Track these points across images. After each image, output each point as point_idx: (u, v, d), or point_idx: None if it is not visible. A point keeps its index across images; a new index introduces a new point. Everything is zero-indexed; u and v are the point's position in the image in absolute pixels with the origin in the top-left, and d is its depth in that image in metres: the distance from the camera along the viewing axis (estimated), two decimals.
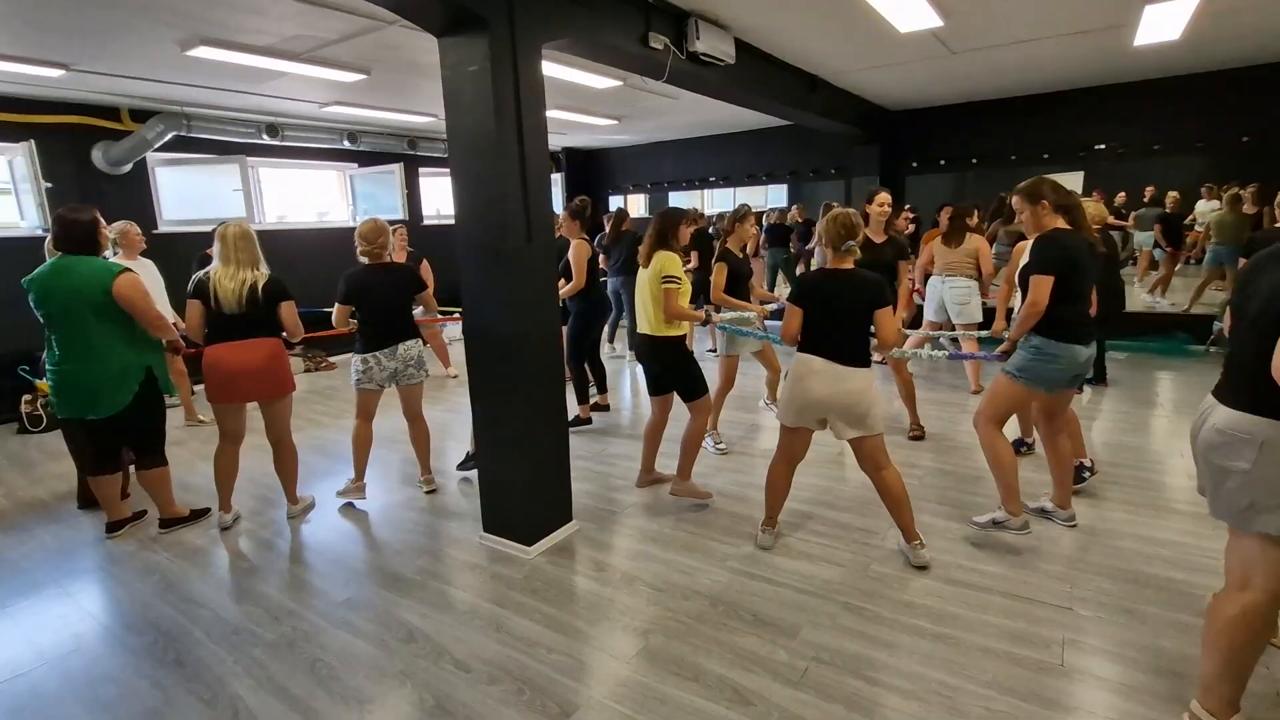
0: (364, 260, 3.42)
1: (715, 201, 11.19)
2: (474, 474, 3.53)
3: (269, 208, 7.73)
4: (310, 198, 8.36)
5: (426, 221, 8.63)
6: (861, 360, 2.60)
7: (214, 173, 6.77)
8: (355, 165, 8.05)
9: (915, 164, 7.38)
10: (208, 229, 6.30)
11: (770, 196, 10.51)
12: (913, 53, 4.91)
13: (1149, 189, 7.27)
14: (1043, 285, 2.57)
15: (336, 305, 3.38)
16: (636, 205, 10.47)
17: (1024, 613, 2.35)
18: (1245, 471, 1.57)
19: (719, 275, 3.87)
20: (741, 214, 3.93)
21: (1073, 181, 8.13)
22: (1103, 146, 6.43)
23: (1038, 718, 1.87)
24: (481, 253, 2.81)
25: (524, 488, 2.88)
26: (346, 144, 7.33)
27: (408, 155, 8.12)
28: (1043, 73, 5.72)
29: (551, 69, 4.81)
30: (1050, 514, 3.01)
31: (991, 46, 4.82)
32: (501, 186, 2.69)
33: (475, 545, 3.01)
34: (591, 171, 10.13)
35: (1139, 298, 7.13)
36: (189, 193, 6.73)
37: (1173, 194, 6.97)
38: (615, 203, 10.13)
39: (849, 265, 2.63)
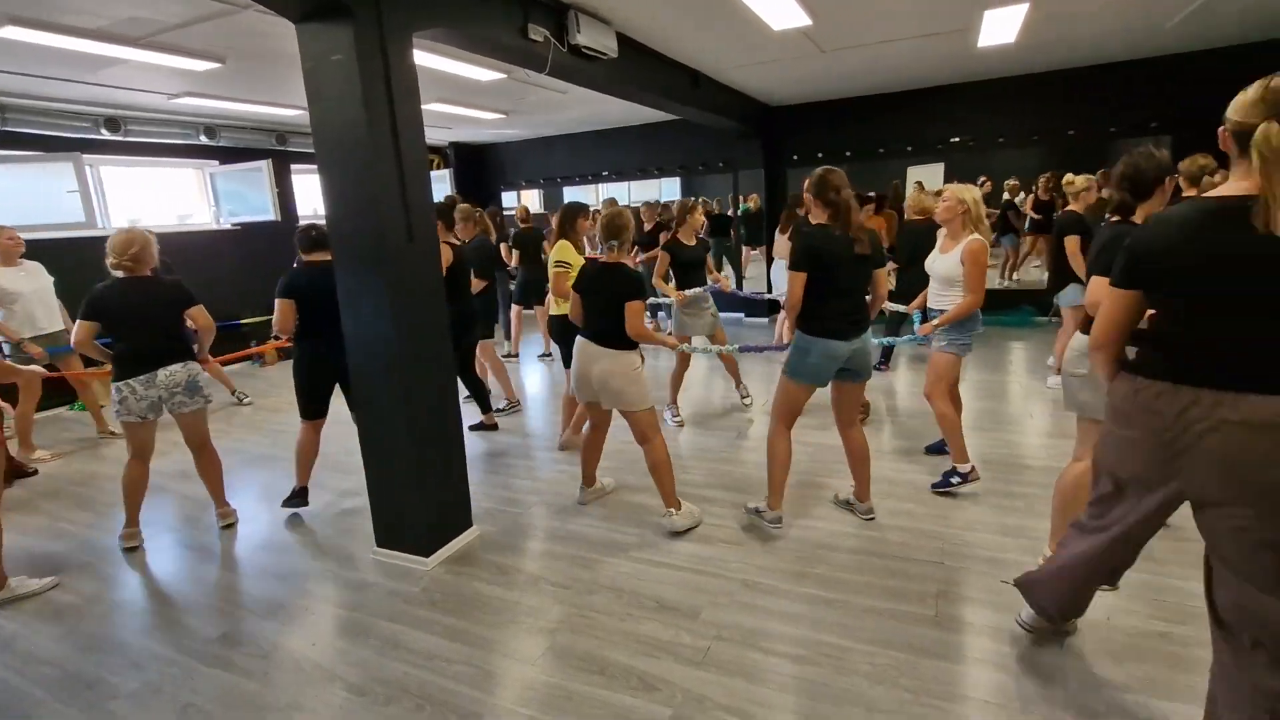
0: (118, 274, 2.96)
1: (608, 195, 11.23)
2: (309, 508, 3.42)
3: (116, 211, 6.92)
4: (168, 199, 7.58)
5: (303, 222, 8.05)
6: (616, 344, 2.85)
7: (45, 172, 5.97)
8: (216, 162, 7.37)
9: (795, 157, 7.74)
10: (44, 235, 5.64)
11: (664, 190, 10.69)
12: (787, 50, 5.14)
13: (1013, 180, 8.05)
14: (794, 282, 2.66)
15: (77, 323, 2.91)
16: (530, 201, 10.31)
17: (901, 571, 2.55)
18: (1084, 376, 2.17)
19: (660, 264, 4.38)
20: (690, 206, 4.49)
21: (934, 172, 8.84)
22: (957, 140, 7.04)
23: (916, 665, 2.03)
24: (358, 255, 2.66)
25: (417, 498, 2.77)
26: (204, 139, 6.70)
27: (277, 151, 7.53)
28: (904, 71, 6.17)
29: (431, 60, 4.63)
30: (852, 506, 3.03)
31: (856, 46, 5.13)
32: (376, 184, 2.56)
33: (368, 562, 2.86)
34: (482, 167, 9.86)
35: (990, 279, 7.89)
36: (14, 195, 5.89)
37: (1010, 182, 7.77)
38: (509, 199, 9.92)
39: (616, 260, 2.92)
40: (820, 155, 7.59)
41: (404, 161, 2.65)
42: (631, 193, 10.67)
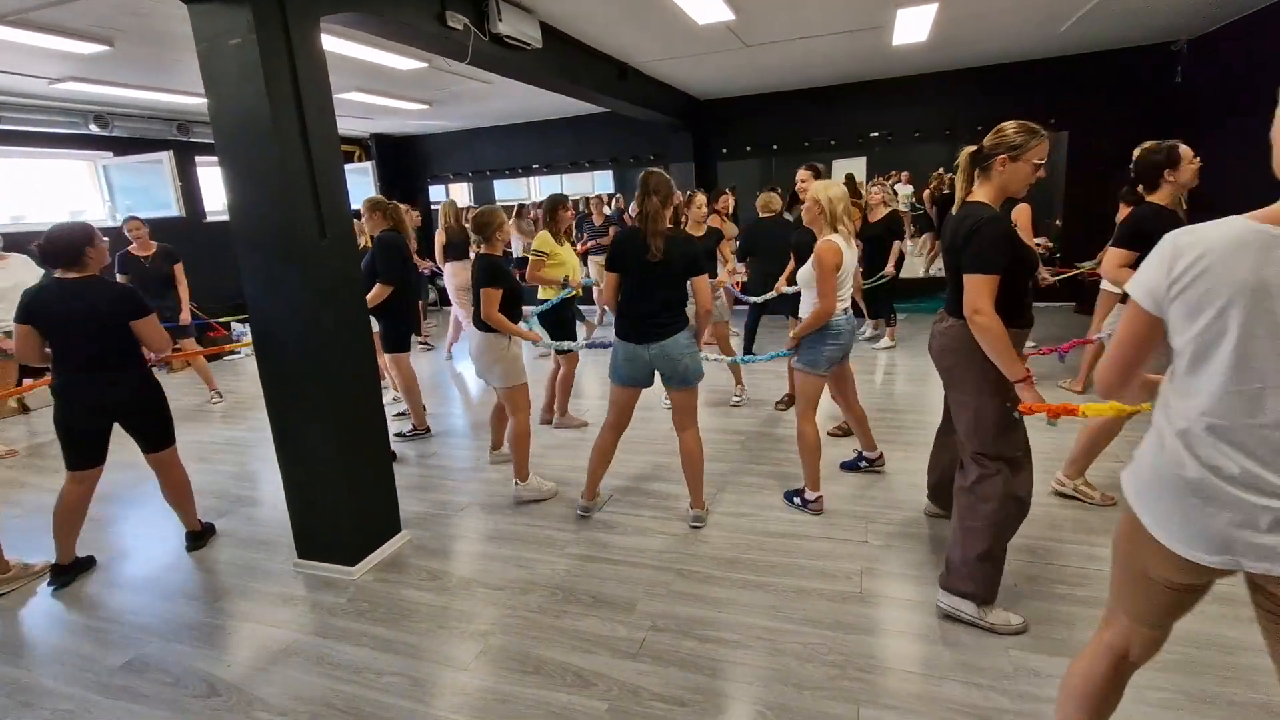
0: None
1: (542, 188, 11.07)
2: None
3: None
4: (56, 193, 6.95)
5: (211, 218, 7.57)
6: (481, 326, 3.15)
7: None
8: (110, 154, 6.82)
9: (725, 150, 7.86)
10: None
11: (597, 183, 10.63)
12: (712, 44, 5.19)
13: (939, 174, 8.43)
14: (606, 281, 2.76)
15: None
16: (460, 194, 10.05)
17: (828, 552, 2.63)
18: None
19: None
20: (690, 197, 4.49)
21: (858, 166, 9.15)
22: (877, 134, 7.31)
23: (844, 642, 2.11)
24: (266, 252, 2.52)
25: (340, 504, 2.65)
26: (94, 129, 6.17)
27: (179, 142, 7.04)
28: (826, 67, 6.35)
29: (345, 47, 4.42)
30: (587, 510, 3.04)
31: (778, 41, 5.24)
32: (284, 177, 2.42)
33: (289, 575, 2.73)
34: (406, 160, 9.52)
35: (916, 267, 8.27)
36: None
37: (936, 174, 8.15)
38: (436, 193, 9.64)
39: (485, 252, 3.18)
40: (748, 148, 7.74)
41: (314, 153, 2.52)
42: (564, 185, 10.56)
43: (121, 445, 2.91)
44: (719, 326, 4.55)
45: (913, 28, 4.99)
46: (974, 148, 2.11)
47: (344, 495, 2.65)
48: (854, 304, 3.22)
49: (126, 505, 3.52)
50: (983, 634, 2.09)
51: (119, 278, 4.97)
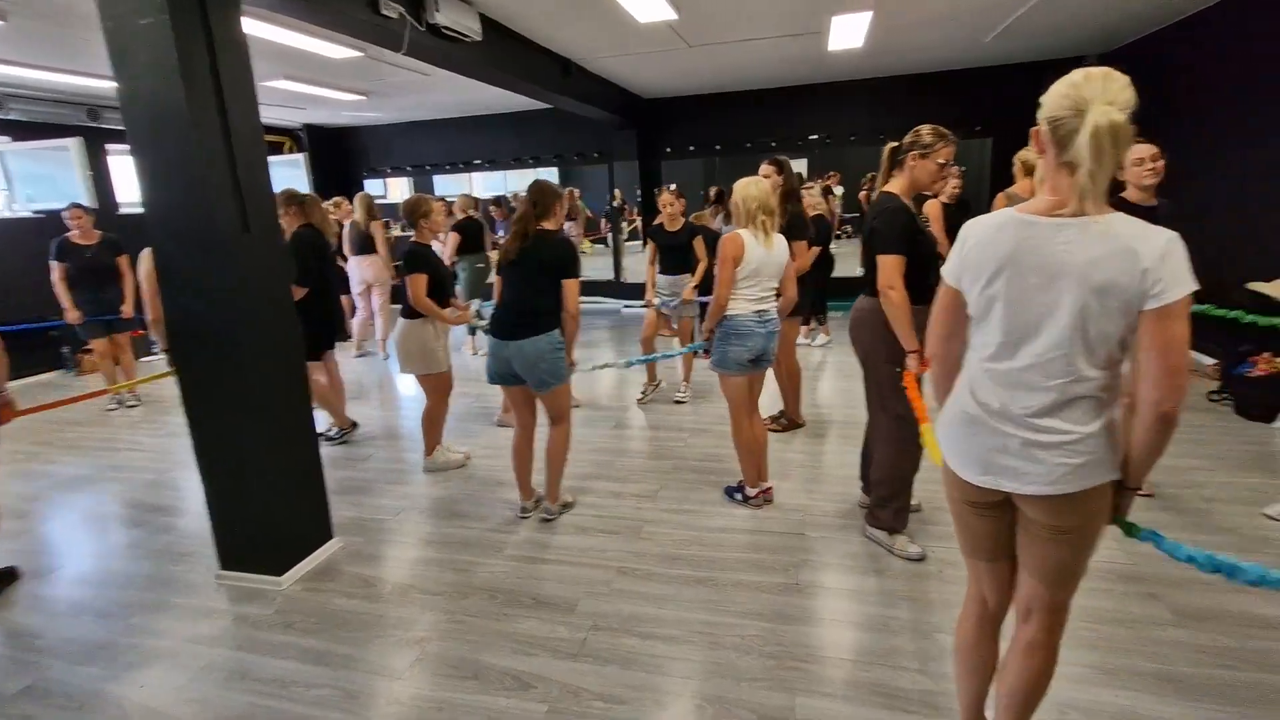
0: None
1: (488, 185, 10.88)
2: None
3: None
4: None
5: (124, 210, 7.09)
6: (405, 313, 3.33)
7: None
8: (8, 138, 6.29)
9: (669, 149, 7.90)
10: None
11: (543, 178, 10.49)
12: (655, 43, 5.20)
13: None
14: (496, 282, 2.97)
15: None
16: (400, 189, 9.77)
17: (766, 545, 2.69)
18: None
19: (649, 251, 4.62)
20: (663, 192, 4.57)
21: (798, 167, 9.34)
22: (816, 137, 7.50)
23: (781, 633, 2.15)
24: (184, 247, 2.37)
25: (266, 511, 2.53)
26: None
27: (89, 128, 6.56)
28: (767, 69, 6.47)
29: (272, 32, 4.21)
30: (525, 511, 3.02)
31: (720, 43, 5.30)
32: (202, 167, 2.29)
33: (211, 588, 2.58)
34: (342, 152, 9.17)
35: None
36: None
37: (868, 177, 8.44)
38: (374, 187, 9.32)
39: (417, 240, 3.35)
40: (692, 148, 7.81)
41: (235, 143, 2.39)
42: (507, 182, 10.41)
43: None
44: (685, 322, 4.61)
45: (848, 35, 5.14)
46: (894, 144, 2.41)
47: (270, 502, 2.53)
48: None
49: (31, 520, 3.27)
50: (905, 620, 2.18)
51: (55, 266, 4.65)
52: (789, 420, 3.97)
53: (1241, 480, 3.05)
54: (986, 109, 6.85)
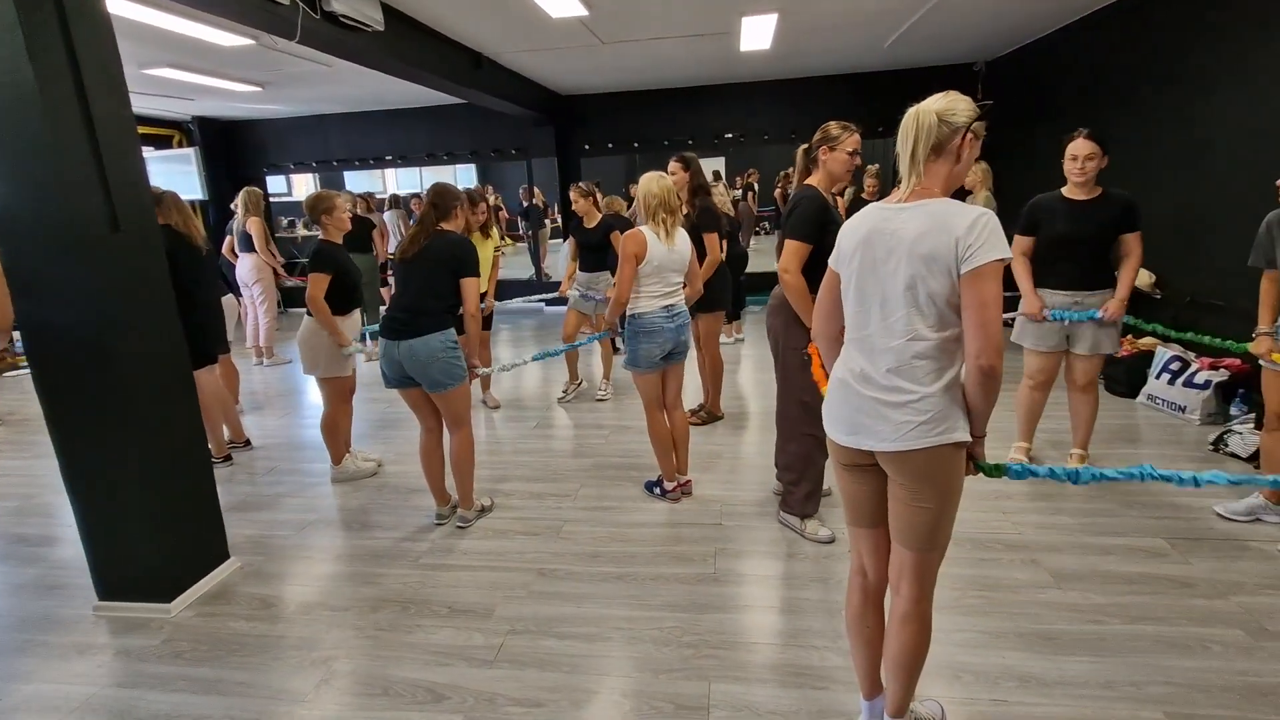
0: None
1: (399, 181, 10.49)
2: None
3: None
4: None
5: None
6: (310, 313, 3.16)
7: None
8: None
9: (587, 146, 7.87)
10: None
11: (459, 177, 10.23)
12: (569, 39, 5.16)
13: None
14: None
15: None
16: (305, 186, 9.26)
17: (685, 536, 2.73)
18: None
19: (570, 247, 4.66)
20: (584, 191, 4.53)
21: (716, 165, 9.53)
22: (731, 135, 7.67)
23: (699, 622, 2.18)
24: (41, 250, 2.15)
25: (150, 535, 2.33)
26: None
27: None
28: (682, 68, 6.54)
29: (153, 16, 3.88)
30: (441, 517, 2.95)
31: (633, 40, 5.32)
32: (58, 161, 2.08)
33: (89, 620, 2.36)
34: (238, 147, 8.59)
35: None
36: None
37: (784, 173, 8.70)
38: (276, 184, 8.79)
39: (331, 237, 3.22)
40: (610, 145, 7.80)
41: (100, 134, 2.18)
42: (423, 178, 10.09)
43: None
44: (603, 317, 4.58)
45: (757, 35, 5.28)
46: (805, 145, 2.53)
47: (154, 524, 2.33)
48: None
49: None
50: (823, 600, 2.27)
51: None
52: (709, 413, 4.04)
53: (1114, 451, 3.35)
54: (889, 111, 7.18)
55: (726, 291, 4.00)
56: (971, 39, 5.86)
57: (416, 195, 8.73)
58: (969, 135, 1.42)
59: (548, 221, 9.14)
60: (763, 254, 9.67)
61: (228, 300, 4.41)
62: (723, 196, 6.08)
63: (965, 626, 2.07)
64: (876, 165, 6.30)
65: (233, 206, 6.11)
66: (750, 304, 7.45)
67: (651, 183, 2.80)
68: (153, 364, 2.35)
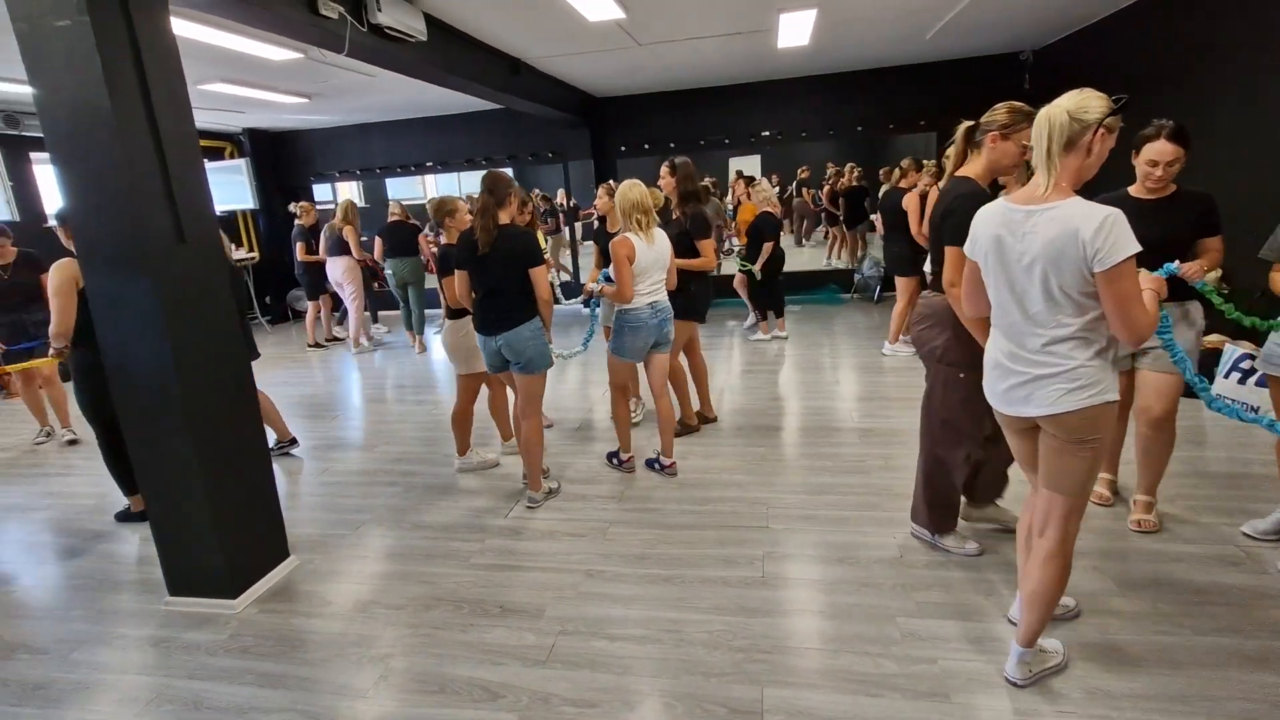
0: None
1: (438, 187, 10.68)
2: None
3: None
4: None
5: (52, 222, 6.71)
6: (449, 314, 3.39)
7: None
8: None
9: (623, 148, 7.89)
10: None
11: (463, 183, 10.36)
12: (604, 42, 5.18)
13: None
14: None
15: None
16: (349, 193, 9.51)
17: (732, 539, 2.71)
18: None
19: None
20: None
21: (752, 163, 9.46)
22: (767, 133, 7.60)
23: (748, 626, 2.18)
24: (113, 261, 2.26)
25: (216, 532, 2.43)
26: None
27: (8, 136, 6.20)
28: (718, 67, 6.51)
29: (206, 33, 4.04)
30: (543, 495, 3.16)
31: (670, 41, 5.32)
32: (131, 176, 2.18)
33: (160, 615, 2.47)
34: (286, 157, 8.88)
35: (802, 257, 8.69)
36: None
37: (835, 169, 8.60)
38: (322, 192, 9.06)
39: (452, 240, 3.31)
40: (646, 146, 7.81)
41: (167, 150, 2.29)
42: (461, 184, 10.26)
43: None
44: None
45: (795, 32, 5.21)
46: (971, 123, 2.18)
47: (218, 524, 2.43)
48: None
49: None
50: (868, 606, 2.23)
51: None
52: (682, 424, 3.87)
53: (1179, 453, 3.20)
54: (930, 104, 7.05)
55: (704, 300, 3.84)
56: (1018, 27, 5.69)
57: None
58: (1101, 130, 1.51)
59: (579, 224, 9.22)
60: (819, 250, 9.55)
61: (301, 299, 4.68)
62: (767, 193, 6.05)
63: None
64: (915, 160, 6.14)
65: (293, 208, 6.97)
66: (790, 303, 7.41)
67: (629, 189, 3.07)
68: (215, 369, 2.45)
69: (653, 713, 1.86)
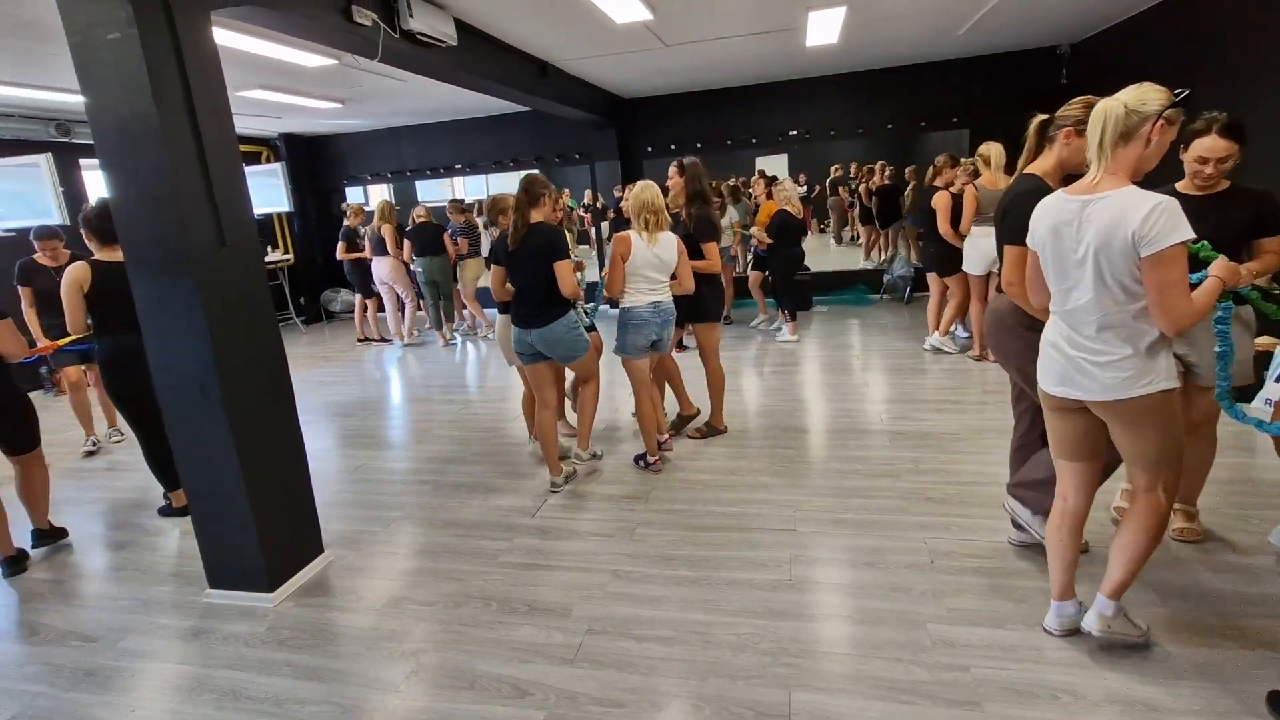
0: None
1: (466, 189, 10.81)
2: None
3: None
4: None
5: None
6: (500, 309, 3.51)
7: None
8: None
9: (650, 149, 7.90)
10: None
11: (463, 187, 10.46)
12: (632, 43, 5.20)
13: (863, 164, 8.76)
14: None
15: None
16: (380, 196, 9.67)
17: (759, 542, 2.70)
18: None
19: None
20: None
21: (779, 163, 9.39)
22: (795, 132, 7.53)
23: (774, 629, 2.16)
24: (157, 263, 2.34)
25: (255, 528, 2.50)
26: None
27: (59, 143, 6.45)
28: (745, 67, 6.48)
29: (244, 42, 4.16)
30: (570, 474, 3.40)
31: (697, 41, 5.31)
32: (175, 181, 2.26)
33: (200, 607, 2.55)
34: (320, 160, 9.09)
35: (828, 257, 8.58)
36: None
37: (869, 166, 8.48)
38: (354, 194, 9.24)
39: None
40: (673, 146, 7.81)
41: (209, 156, 2.36)
42: (489, 185, 10.36)
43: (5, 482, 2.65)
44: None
45: (824, 30, 5.16)
46: (1044, 117, 2.09)
47: (256, 520, 2.50)
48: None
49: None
50: (899, 612, 2.20)
51: (21, 291, 4.35)
52: (710, 427, 3.85)
53: (1226, 460, 3.10)
54: (962, 100, 6.92)
55: (718, 302, 3.82)
56: (1054, 20, 5.55)
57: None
58: (1161, 122, 1.55)
59: (605, 224, 9.25)
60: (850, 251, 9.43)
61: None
62: (788, 193, 6.00)
63: (1064, 644, 1.97)
64: (951, 157, 6.03)
65: (343, 208, 7.42)
66: (818, 304, 7.34)
67: (642, 190, 3.17)
68: (254, 370, 2.52)
69: (680, 714, 1.86)
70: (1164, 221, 1.48)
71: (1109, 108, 1.58)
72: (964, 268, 4.80)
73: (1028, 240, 1.80)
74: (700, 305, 3.65)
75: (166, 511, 3.39)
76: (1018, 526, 2.46)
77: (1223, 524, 2.58)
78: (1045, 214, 1.73)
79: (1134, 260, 1.53)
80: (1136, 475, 1.77)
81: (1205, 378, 2.28)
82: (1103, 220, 1.57)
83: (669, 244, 3.24)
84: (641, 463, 3.49)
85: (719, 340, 3.86)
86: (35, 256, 4.39)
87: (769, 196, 6.20)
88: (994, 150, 4.58)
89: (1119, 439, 1.75)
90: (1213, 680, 1.82)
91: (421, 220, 6.85)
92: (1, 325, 2.78)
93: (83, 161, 6.90)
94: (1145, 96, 1.57)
